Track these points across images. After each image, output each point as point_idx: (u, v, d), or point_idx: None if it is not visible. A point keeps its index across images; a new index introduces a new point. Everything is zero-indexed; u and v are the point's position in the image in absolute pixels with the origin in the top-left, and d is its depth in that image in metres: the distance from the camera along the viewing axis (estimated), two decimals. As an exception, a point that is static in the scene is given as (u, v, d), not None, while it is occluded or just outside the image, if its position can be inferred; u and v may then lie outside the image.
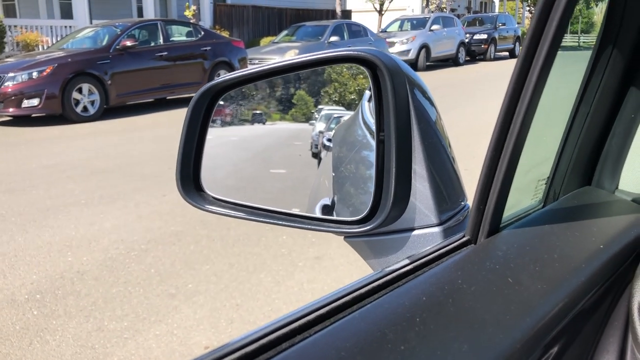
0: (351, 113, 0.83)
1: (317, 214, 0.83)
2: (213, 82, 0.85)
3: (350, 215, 0.78)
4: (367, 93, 0.80)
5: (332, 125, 0.83)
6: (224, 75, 0.85)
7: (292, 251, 3.53)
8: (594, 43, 0.84)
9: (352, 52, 0.74)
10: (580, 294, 0.61)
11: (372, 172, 0.75)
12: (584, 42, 1.24)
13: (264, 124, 0.88)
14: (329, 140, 0.83)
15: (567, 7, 0.57)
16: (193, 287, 3.07)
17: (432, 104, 0.80)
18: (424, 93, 0.79)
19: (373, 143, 0.76)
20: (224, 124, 0.91)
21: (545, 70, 0.59)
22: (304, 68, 0.81)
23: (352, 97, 0.81)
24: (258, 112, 0.89)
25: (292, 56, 0.80)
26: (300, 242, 3.65)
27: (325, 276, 3.19)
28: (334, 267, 3.30)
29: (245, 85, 0.86)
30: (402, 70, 0.74)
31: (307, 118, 0.83)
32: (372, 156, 0.76)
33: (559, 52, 0.61)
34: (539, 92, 0.61)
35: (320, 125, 0.83)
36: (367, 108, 0.81)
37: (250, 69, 0.83)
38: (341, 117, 0.82)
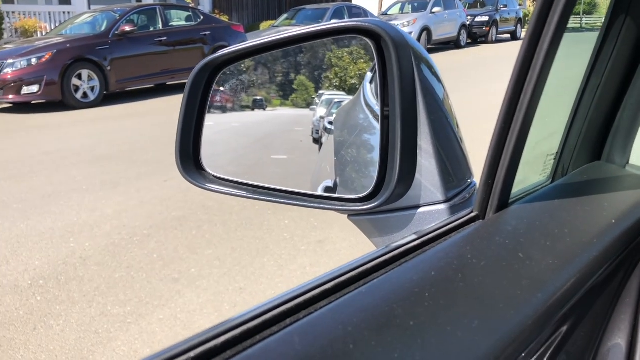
0: (352, 97, 0.81)
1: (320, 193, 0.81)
2: (212, 57, 0.82)
3: (354, 194, 0.77)
4: (369, 74, 0.78)
5: (333, 111, 0.81)
6: (223, 50, 0.82)
7: (294, 235, 3.52)
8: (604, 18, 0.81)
9: (356, 23, 0.72)
10: (592, 269, 0.60)
11: (374, 155, 0.74)
12: (586, 23, 1.21)
13: (264, 109, 0.87)
14: (331, 123, 0.81)
15: None
16: (196, 272, 3.07)
17: (439, 80, 0.78)
18: (431, 68, 0.77)
19: (375, 124, 0.74)
20: (225, 110, 0.89)
21: (556, 41, 0.57)
22: (305, 40, 0.79)
23: (353, 81, 0.79)
24: (258, 98, 0.87)
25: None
26: (303, 226, 3.64)
27: (327, 260, 3.19)
28: (336, 250, 3.30)
29: (245, 59, 0.84)
30: (408, 43, 0.72)
31: (308, 103, 0.82)
32: (374, 139, 0.75)
33: (569, 24, 0.58)
34: (549, 64, 0.58)
35: (321, 111, 0.81)
36: (369, 89, 0.79)
37: (250, 42, 0.80)
38: (342, 102, 0.81)
